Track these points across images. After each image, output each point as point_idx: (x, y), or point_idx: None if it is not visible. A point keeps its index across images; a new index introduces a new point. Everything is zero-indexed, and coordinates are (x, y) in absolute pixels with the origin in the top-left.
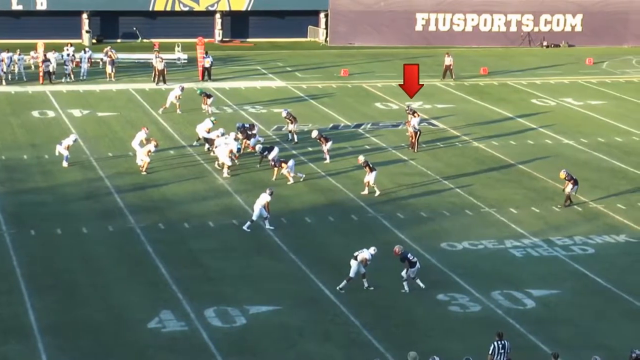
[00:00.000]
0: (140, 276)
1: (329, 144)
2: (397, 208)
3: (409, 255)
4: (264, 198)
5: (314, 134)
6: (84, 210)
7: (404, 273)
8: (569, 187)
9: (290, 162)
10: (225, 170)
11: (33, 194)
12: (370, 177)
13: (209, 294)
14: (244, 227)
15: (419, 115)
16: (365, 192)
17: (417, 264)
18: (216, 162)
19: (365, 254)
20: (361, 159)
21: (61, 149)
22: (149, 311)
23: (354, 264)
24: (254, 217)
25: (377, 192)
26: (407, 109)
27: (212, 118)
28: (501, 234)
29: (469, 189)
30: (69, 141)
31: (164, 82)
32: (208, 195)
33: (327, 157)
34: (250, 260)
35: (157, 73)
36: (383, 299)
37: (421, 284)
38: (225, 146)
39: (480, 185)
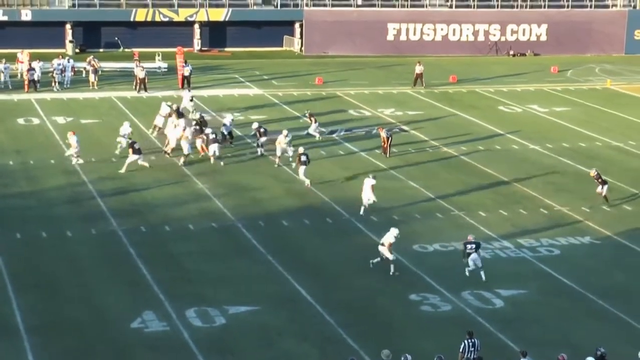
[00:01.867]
0: (123, 277)
1: (264, 139)
2: (371, 211)
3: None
4: (370, 182)
5: (254, 125)
6: (67, 214)
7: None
8: (599, 187)
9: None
10: (182, 160)
11: (18, 198)
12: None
13: (189, 294)
14: (361, 213)
15: (316, 121)
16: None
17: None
18: (165, 147)
19: (389, 238)
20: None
21: (122, 140)
22: (132, 311)
23: (382, 249)
24: (366, 203)
25: (307, 183)
26: (306, 113)
27: (168, 103)
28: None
29: (439, 193)
30: (125, 129)
31: (145, 90)
32: (188, 199)
33: (260, 150)
34: (230, 262)
35: (138, 81)
36: (358, 299)
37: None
38: (175, 129)
39: (450, 189)
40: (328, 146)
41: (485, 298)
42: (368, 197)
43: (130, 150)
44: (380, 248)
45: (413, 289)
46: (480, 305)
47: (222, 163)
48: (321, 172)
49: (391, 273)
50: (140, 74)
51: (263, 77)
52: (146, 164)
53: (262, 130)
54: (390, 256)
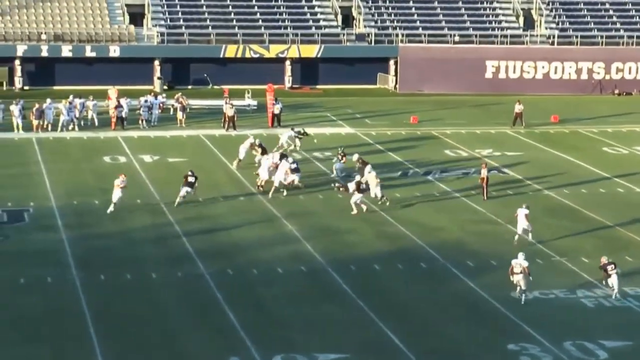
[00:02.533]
0: (208, 322)
1: (368, 167)
2: (467, 256)
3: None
4: (523, 212)
5: (355, 157)
6: (153, 255)
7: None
8: None
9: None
10: (271, 193)
11: (103, 238)
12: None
13: (276, 340)
14: (515, 239)
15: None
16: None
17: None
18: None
19: (521, 261)
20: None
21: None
22: (217, 358)
23: (518, 277)
24: (520, 232)
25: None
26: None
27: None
28: (572, 283)
29: (540, 237)
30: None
31: (234, 129)
32: (276, 241)
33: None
34: (319, 307)
35: (227, 119)
36: (450, 346)
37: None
38: (266, 161)
39: (551, 234)
40: (423, 188)
41: (588, 349)
42: (523, 226)
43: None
44: (517, 277)
45: (511, 338)
46: (583, 357)
47: (284, 193)
48: (415, 214)
49: (521, 296)
50: (229, 111)
51: (355, 116)
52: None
53: (362, 160)
54: (524, 285)
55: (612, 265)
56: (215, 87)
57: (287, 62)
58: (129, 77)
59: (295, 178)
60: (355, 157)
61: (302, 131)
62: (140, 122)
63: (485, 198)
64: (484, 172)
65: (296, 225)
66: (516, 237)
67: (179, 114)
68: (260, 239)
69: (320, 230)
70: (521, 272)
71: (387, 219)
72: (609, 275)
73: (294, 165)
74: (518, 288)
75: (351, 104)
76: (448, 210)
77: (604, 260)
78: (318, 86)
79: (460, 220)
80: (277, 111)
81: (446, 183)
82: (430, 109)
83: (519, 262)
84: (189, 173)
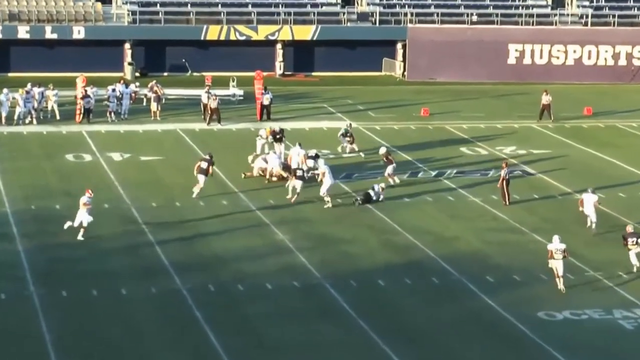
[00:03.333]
0: (187, 345)
1: (391, 167)
2: (486, 270)
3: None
4: (592, 199)
5: (382, 150)
6: (123, 268)
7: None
8: None
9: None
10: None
11: (66, 248)
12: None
13: None
14: (592, 226)
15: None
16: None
17: None
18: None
19: (558, 245)
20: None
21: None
22: None
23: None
24: (594, 219)
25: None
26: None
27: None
28: (609, 302)
29: (571, 249)
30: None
31: (219, 122)
32: (265, 252)
33: (393, 179)
34: (314, 327)
35: (210, 111)
36: None
37: None
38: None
39: (584, 245)
40: (435, 191)
41: None
42: (591, 214)
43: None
44: (556, 264)
45: None
46: None
47: (292, 200)
48: (427, 221)
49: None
50: (212, 103)
51: (357, 107)
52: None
53: (390, 157)
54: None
55: (635, 239)
56: (195, 74)
57: (279, 46)
58: (96, 62)
59: (297, 186)
60: (383, 150)
61: (347, 130)
62: (108, 114)
63: (507, 203)
64: (504, 173)
65: (288, 234)
66: (591, 223)
67: (153, 105)
68: (246, 249)
69: (316, 239)
70: (563, 257)
71: (393, 227)
72: (629, 249)
73: (299, 172)
74: (559, 280)
75: (352, 94)
76: (464, 217)
77: (629, 229)
78: (314, 73)
79: (478, 229)
80: (266, 102)
81: (462, 185)
82: (444, 100)
83: (557, 247)
84: (207, 156)
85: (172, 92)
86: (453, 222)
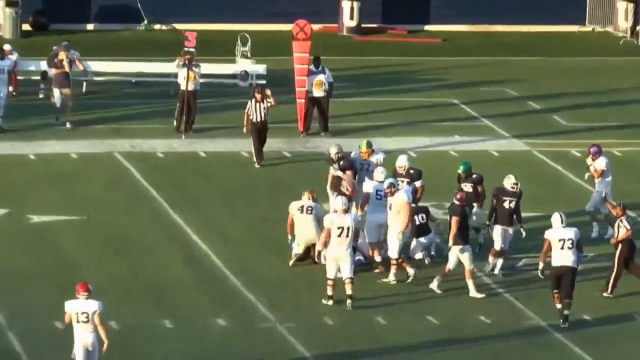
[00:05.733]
0: None
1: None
2: None
3: None
4: None
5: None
6: None
7: None
8: None
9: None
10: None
11: None
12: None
13: None
14: None
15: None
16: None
17: None
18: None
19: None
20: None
21: None
22: None
23: None
24: None
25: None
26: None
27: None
28: None
29: None
30: None
31: (190, 127)
32: None
33: None
34: None
35: (188, 106)
36: None
37: None
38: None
39: None
40: None
41: None
42: None
43: None
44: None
45: None
46: None
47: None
48: None
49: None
50: (189, 85)
51: (532, 106)
52: None
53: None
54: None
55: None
56: (159, 26)
57: None
58: None
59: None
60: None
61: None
62: None
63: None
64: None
65: None
66: None
67: (58, 96)
68: None
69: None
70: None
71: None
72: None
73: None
74: None
75: (515, 73)
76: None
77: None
78: (429, 27)
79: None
80: (319, 92)
81: None
82: None
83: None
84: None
85: (104, 66)
86: None
